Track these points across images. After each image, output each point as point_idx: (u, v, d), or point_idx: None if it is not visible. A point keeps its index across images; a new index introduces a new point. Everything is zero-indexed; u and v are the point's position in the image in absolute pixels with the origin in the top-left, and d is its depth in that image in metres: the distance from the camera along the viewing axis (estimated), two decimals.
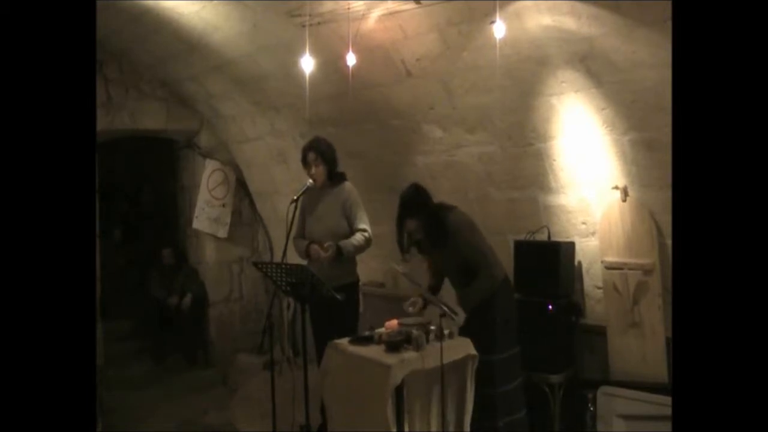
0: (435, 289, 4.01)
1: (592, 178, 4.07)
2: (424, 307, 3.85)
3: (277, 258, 5.55)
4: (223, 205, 7.00)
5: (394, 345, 3.42)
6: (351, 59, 3.94)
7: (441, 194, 4.95)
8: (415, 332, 3.46)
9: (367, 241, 4.22)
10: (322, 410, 3.94)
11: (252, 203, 7.24)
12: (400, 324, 3.67)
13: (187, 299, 6.90)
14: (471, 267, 3.76)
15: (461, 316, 3.72)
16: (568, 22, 3.43)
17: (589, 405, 4.05)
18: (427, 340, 3.48)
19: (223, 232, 7.01)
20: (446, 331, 3.52)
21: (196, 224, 6.99)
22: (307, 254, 4.22)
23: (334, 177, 4.32)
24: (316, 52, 4.06)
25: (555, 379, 4.14)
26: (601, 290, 4.21)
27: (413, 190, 3.87)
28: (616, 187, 3.95)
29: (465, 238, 3.77)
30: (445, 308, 3.45)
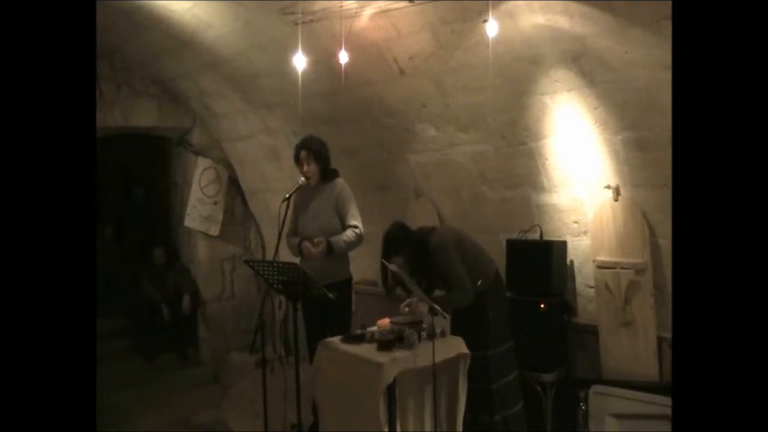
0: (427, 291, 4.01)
1: (584, 177, 4.07)
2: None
3: (269, 256, 5.54)
4: (215, 203, 6.98)
5: (386, 343, 3.41)
6: (344, 57, 3.94)
7: (433, 192, 4.97)
8: (407, 331, 3.46)
9: (359, 238, 4.21)
10: (314, 409, 3.94)
11: (244, 201, 7.23)
12: (392, 322, 3.67)
13: (186, 301, 6.88)
14: (447, 281, 3.78)
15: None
16: (561, 22, 3.43)
17: (581, 404, 4.05)
18: (419, 339, 3.48)
19: (215, 230, 6.99)
20: (438, 330, 3.52)
21: (188, 222, 6.98)
22: (299, 251, 4.22)
23: (327, 174, 4.31)
24: (308, 50, 4.05)
25: (547, 378, 4.15)
26: (593, 289, 4.21)
27: (396, 228, 3.88)
28: (609, 187, 3.95)
29: (446, 256, 3.76)
30: (437, 307, 3.45)
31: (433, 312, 3.48)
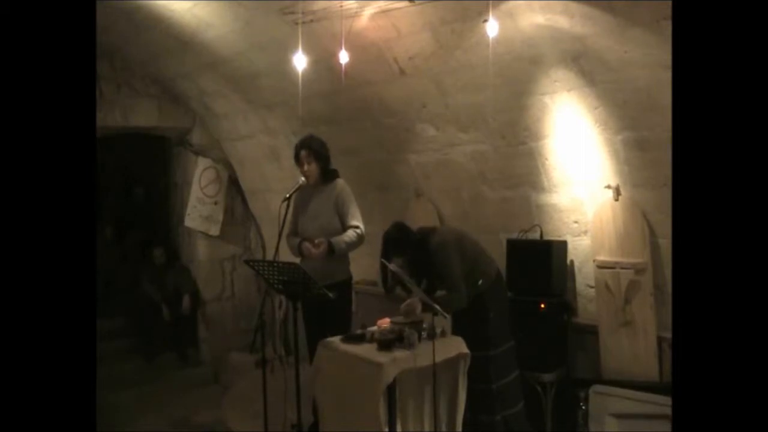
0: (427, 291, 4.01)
1: (584, 177, 4.07)
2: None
3: (269, 256, 5.54)
4: (215, 203, 6.98)
5: (386, 343, 3.41)
6: (344, 57, 3.94)
7: (433, 192, 4.97)
8: (407, 331, 3.46)
9: (360, 238, 4.21)
10: (314, 409, 3.94)
11: (244, 201, 7.23)
12: (392, 322, 3.67)
13: (186, 301, 6.87)
14: (446, 282, 3.78)
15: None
16: (561, 22, 3.43)
17: (581, 404, 4.05)
18: (419, 339, 3.48)
19: (215, 230, 6.99)
20: (438, 330, 3.52)
21: (188, 222, 6.98)
22: (299, 252, 4.21)
23: (327, 174, 4.30)
24: (308, 50, 4.05)
25: (547, 377, 4.15)
26: (593, 289, 4.21)
27: (397, 228, 3.88)
28: (609, 186, 3.95)
29: (446, 256, 3.76)
30: (437, 307, 3.45)
31: (433, 312, 3.48)
